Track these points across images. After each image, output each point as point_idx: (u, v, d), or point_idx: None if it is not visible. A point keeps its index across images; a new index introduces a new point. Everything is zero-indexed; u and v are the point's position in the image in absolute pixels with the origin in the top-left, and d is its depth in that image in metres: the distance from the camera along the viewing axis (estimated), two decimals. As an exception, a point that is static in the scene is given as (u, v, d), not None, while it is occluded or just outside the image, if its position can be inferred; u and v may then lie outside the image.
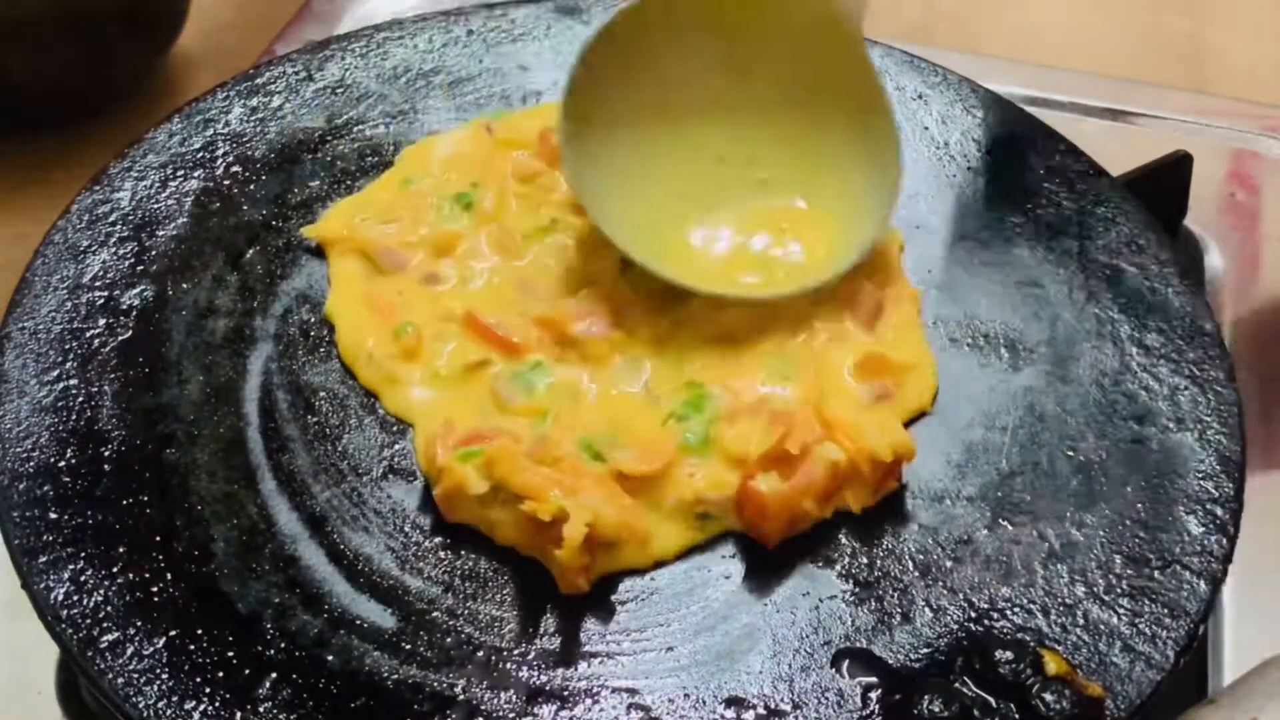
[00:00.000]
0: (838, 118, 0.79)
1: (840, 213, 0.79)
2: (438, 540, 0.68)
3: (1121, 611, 0.65)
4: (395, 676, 0.62)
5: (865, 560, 0.67)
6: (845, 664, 0.64)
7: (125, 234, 0.80)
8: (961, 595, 0.66)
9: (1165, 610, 0.65)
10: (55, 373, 0.72)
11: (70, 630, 0.62)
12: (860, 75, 0.78)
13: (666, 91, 0.79)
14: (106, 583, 0.64)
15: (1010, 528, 0.69)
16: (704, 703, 0.62)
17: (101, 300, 0.77)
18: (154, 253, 0.80)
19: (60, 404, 0.71)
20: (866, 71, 0.78)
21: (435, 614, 0.65)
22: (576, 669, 0.63)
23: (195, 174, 0.84)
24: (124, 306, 0.77)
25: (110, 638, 0.62)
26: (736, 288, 0.76)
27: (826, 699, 0.62)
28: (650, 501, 0.67)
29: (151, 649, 0.62)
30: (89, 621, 0.62)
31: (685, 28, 0.78)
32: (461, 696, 0.62)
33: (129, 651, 0.62)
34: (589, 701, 0.62)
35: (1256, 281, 0.94)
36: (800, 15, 0.78)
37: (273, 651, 0.63)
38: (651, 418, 0.71)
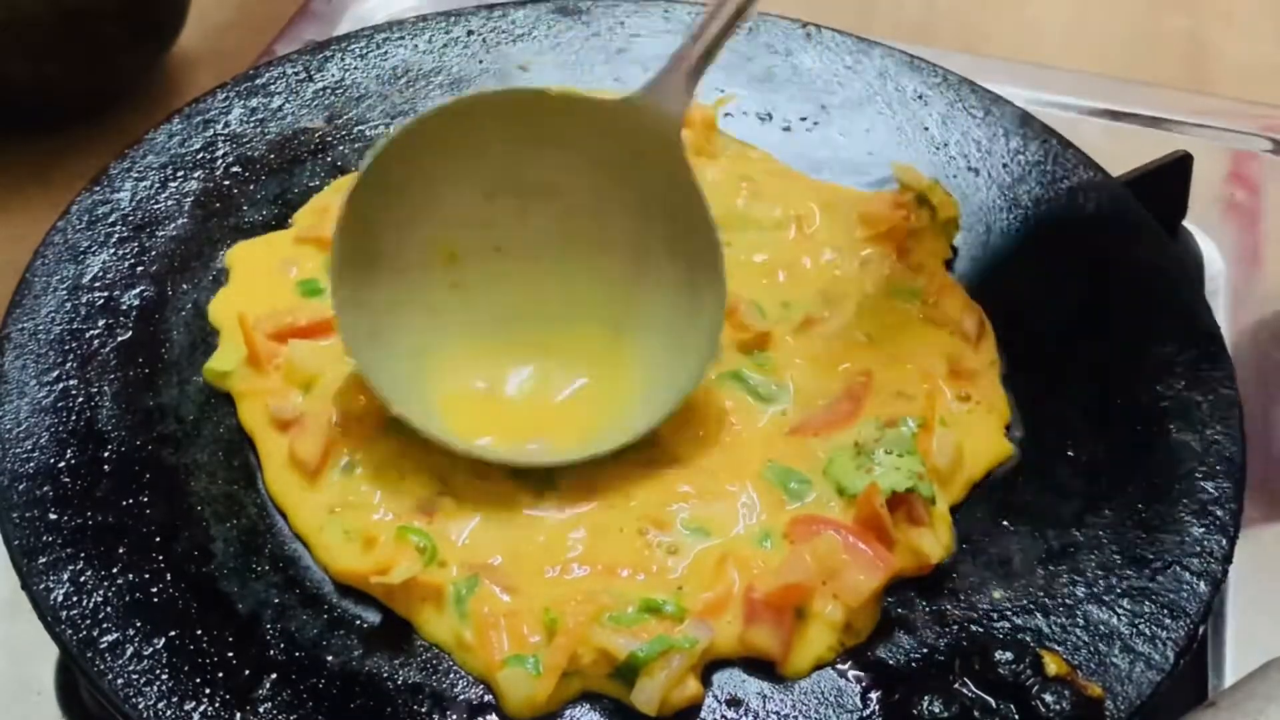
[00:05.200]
0: (659, 246, 0.72)
1: (659, 358, 0.72)
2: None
3: (1121, 612, 0.65)
4: (395, 677, 0.62)
5: (865, 561, 0.67)
6: (845, 664, 0.63)
7: (125, 234, 0.80)
8: (961, 596, 0.66)
9: (1165, 611, 0.65)
10: (55, 373, 0.72)
11: (70, 631, 0.62)
12: (684, 196, 0.70)
13: (450, 250, 0.73)
14: (106, 583, 0.64)
15: (1010, 528, 0.69)
16: (705, 703, 0.62)
17: (101, 301, 0.76)
18: (154, 253, 0.80)
19: (60, 405, 0.71)
20: (691, 192, 0.70)
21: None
22: (577, 669, 0.63)
23: (195, 174, 0.84)
24: (124, 307, 0.77)
25: (110, 638, 0.62)
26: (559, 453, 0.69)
27: (826, 699, 0.62)
28: None
29: (151, 650, 0.62)
30: (89, 622, 0.62)
31: (472, 147, 0.71)
32: (461, 697, 0.62)
33: (129, 652, 0.62)
34: (589, 700, 0.62)
35: (1256, 282, 0.94)
36: (613, 135, 0.71)
37: (273, 651, 0.63)
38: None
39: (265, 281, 0.78)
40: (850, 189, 0.86)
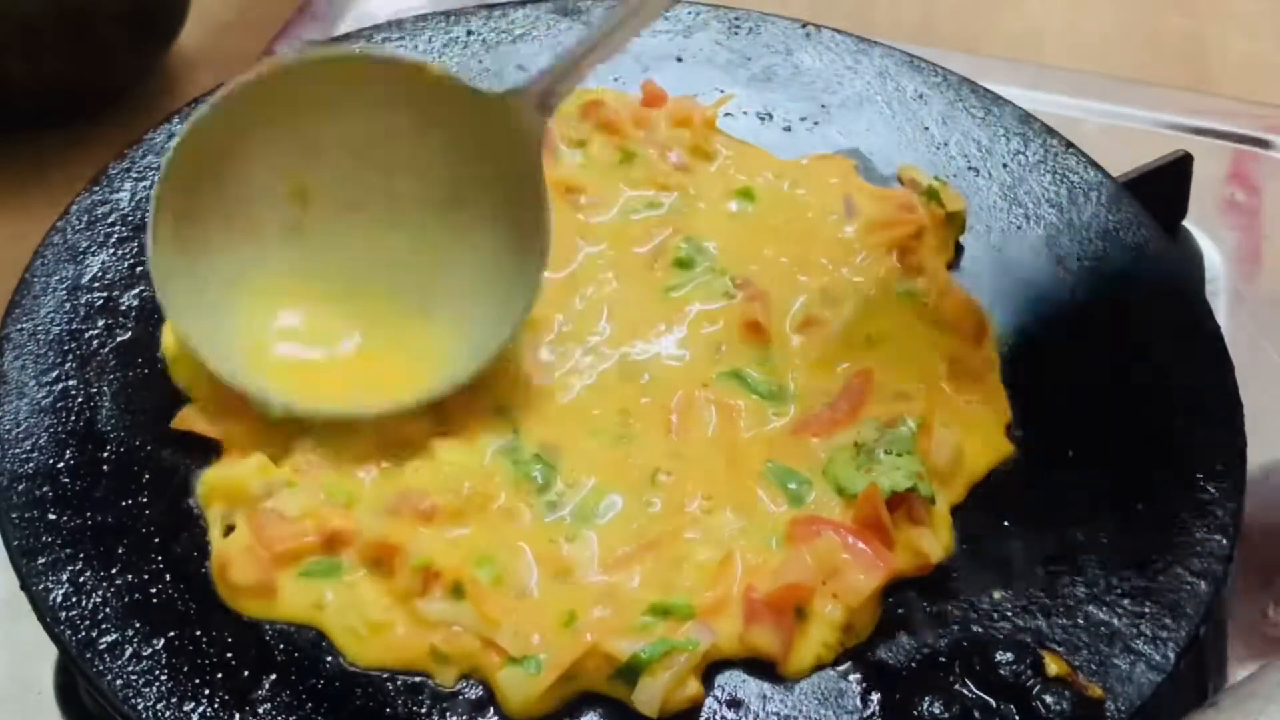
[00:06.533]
0: (485, 225, 0.73)
1: (464, 327, 0.72)
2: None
3: (1122, 612, 0.65)
4: (395, 677, 0.62)
5: (865, 561, 0.67)
6: (845, 664, 0.63)
7: (125, 234, 0.80)
8: (961, 596, 0.66)
9: (1166, 611, 0.64)
10: (54, 374, 0.72)
11: (69, 631, 0.62)
12: (526, 187, 0.71)
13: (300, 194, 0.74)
14: (105, 584, 0.64)
15: (1010, 528, 0.69)
16: (705, 703, 0.62)
17: (101, 301, 0.76)
18: (153, 253, 0.79)
19: (59, 405, 0.71)
20: (535, 186, 0.71)
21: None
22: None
23: (195, 174, 0.84)
24: (124, 307, 0.76)
25: (109, 639, 0.62)
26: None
27: (826, 699, 0.62)
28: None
29: (150, 650, 0.62)
30: (88, 623, 0.62)
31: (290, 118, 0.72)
32: (461, 696, 0.62)
33: (128, 653, 0.62)
34: (590, 700, 0.62)
35: (1256, 282, 0.94)
36: (468, 127, 0.72)
37: (273, 652, 0.63)
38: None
39: None
40: (862, 184, 0.86)
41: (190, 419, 0.70)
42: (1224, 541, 0.67)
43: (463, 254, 0.74)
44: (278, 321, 0.73)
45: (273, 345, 0.72)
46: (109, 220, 0.80)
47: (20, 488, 0.67)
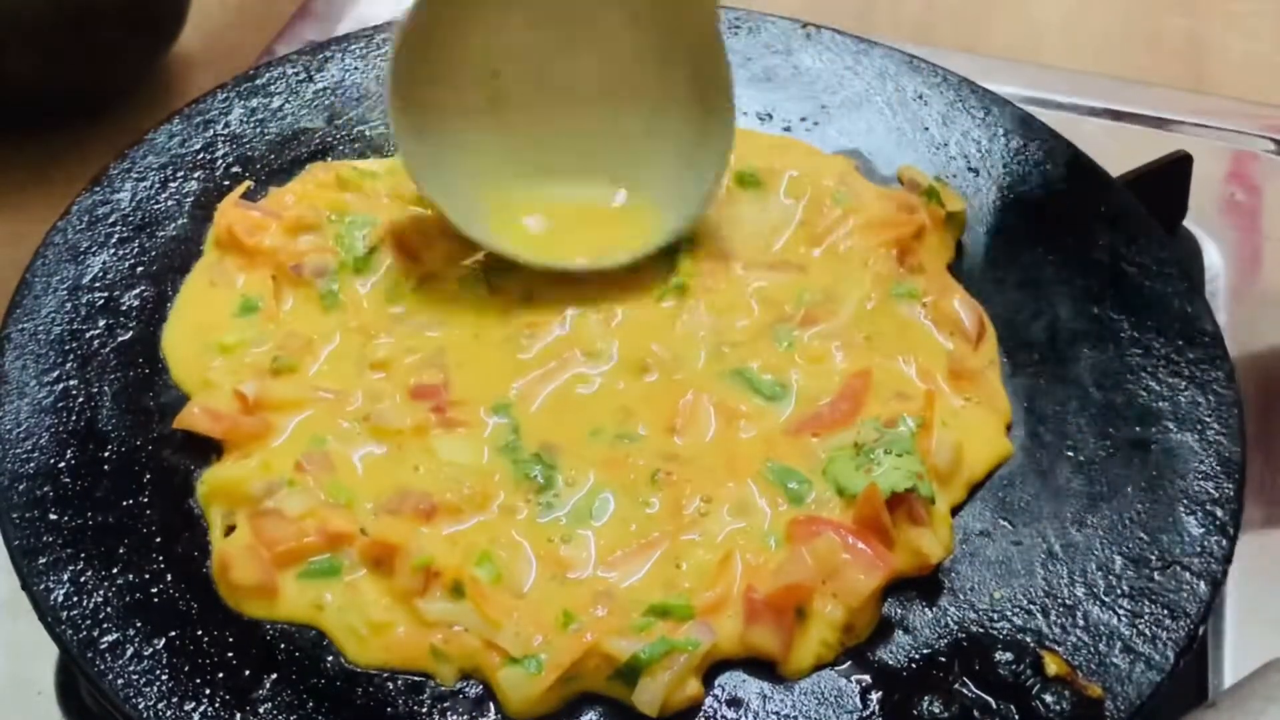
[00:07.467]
0: (674, 97, 0.80)
1: (662, 199, 0.80)
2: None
3: (1121, 612, 0.65)
4: (395, 677, 0.62)
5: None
6: (845, 664, 0.64)
7: (125, 235, 0.80)
8: (961, 596, 0.66)
9: (1165, 611, 0.65)
10: (55, 374, 0.72)
11: (70, 631, 0.62)
12: (707, 53, 0.78)
13: (495, 73, 0.80)
14: (106, 584, 0.64)
15: (1010, 528, 0.69)
16: (705, 702, 0.62)
17: (101, 301, 0.77)
18: (154, 253, 0.80)
19: (60, 405, 0.71)
20: (715, 51, 0.78)
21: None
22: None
23: (195, 175, 0.84)
24: (124, 307, 0.77)
25: (110, 639, 0.62)
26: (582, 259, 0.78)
27: (826, 699, 0.62)
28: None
29: (151, 650, 0.62)
30: (89, 622, 0.62)
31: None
32: (462, 696, 0.62)
33: (129, 652, 0.62)
34: (590, 700, 0.62)
35: (1256, 281, 0.94)
36: None
37: (273, 651, 0.63)
38: None
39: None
40: (862, 184, 0.86)
41: (190, 419, 0.70)
42: (1224, 541, 0.67)
43: (654, 125, 0.80)
44: (490, 191, 0.80)
45: (493, 209, 0.79)
46: (109, 220, 0.81)
47: (21, 488, 0.67)
